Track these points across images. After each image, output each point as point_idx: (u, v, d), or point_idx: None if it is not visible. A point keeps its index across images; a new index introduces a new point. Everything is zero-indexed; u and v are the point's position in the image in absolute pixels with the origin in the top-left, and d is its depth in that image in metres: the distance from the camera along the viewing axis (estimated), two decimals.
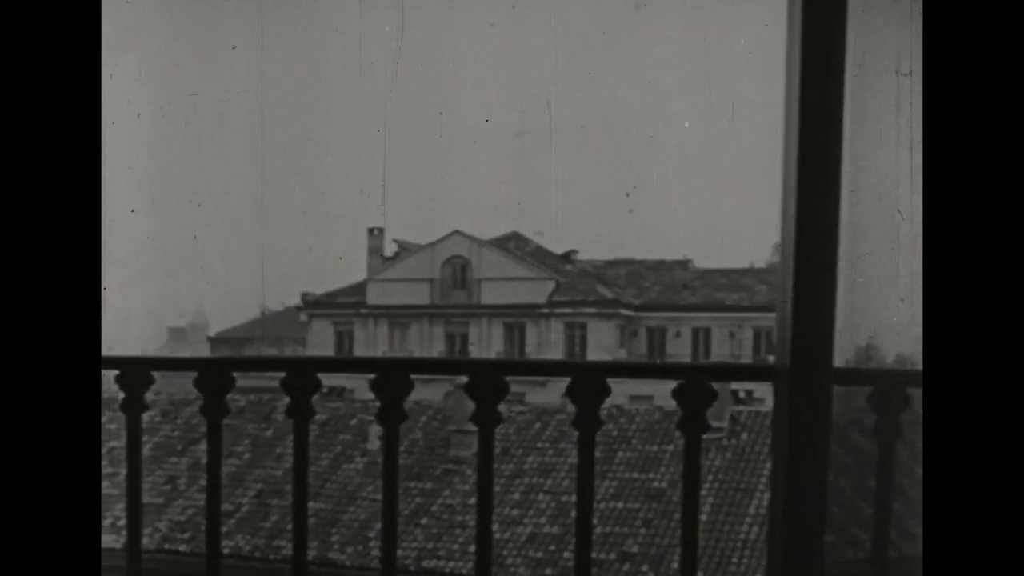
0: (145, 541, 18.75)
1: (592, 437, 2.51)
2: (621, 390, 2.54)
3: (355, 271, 52.60)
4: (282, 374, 2.88)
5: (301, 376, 2.73)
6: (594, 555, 21.73)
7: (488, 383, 2.59)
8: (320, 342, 49.24)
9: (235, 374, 2.90)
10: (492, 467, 2.51)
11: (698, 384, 2.50)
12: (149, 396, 2.86)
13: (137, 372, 2.87)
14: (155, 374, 2.94)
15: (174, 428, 26.50)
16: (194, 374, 2.98)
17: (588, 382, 2.55)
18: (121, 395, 2.98)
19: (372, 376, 2.74)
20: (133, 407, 2.97)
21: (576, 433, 2.59)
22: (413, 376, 2.78)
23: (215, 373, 2.80)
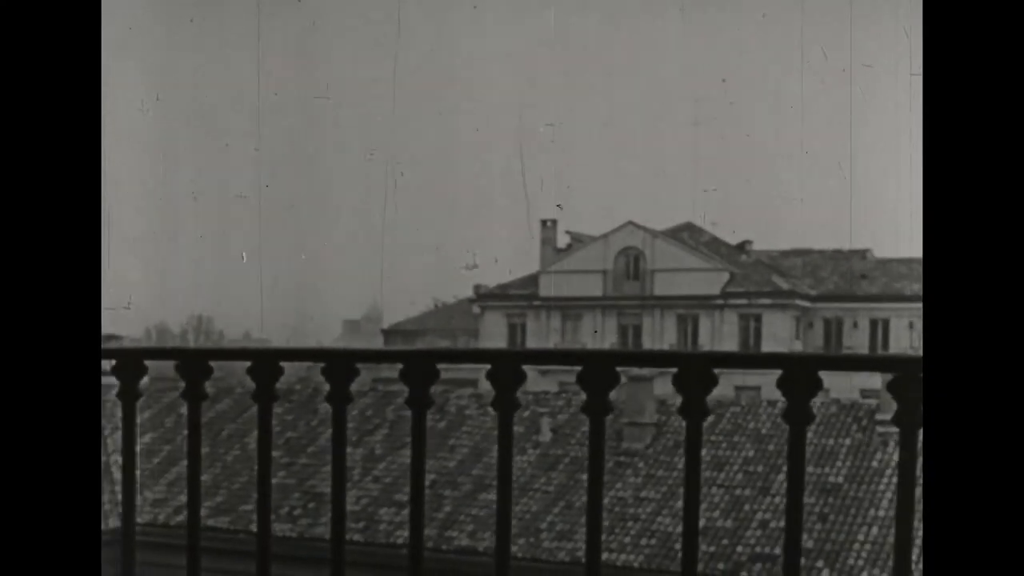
0: (320, 530, 19.38)
1: (698, 427, 2.41)
2: (727, 381, 2.43)
3: (528, 263, 52.98)
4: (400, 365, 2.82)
5: (417, 366, 2.69)
6: (767, 550, 21.36)
7: (599, 373, 2.51)
8: (493, 334, 49.75)
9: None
10: (603, 454, 2.43)
11: (800, 374, 2.37)
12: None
13: (265, 364, 2.88)
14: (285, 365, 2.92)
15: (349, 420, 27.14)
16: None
17: (693, 372, 2.45)
18: (253, 385, 2.99)
19: (488, 367, 2.68)
20: (265, 395, 2.95)
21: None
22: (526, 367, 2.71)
23: (341, 362, 2.78)
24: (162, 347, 2.85)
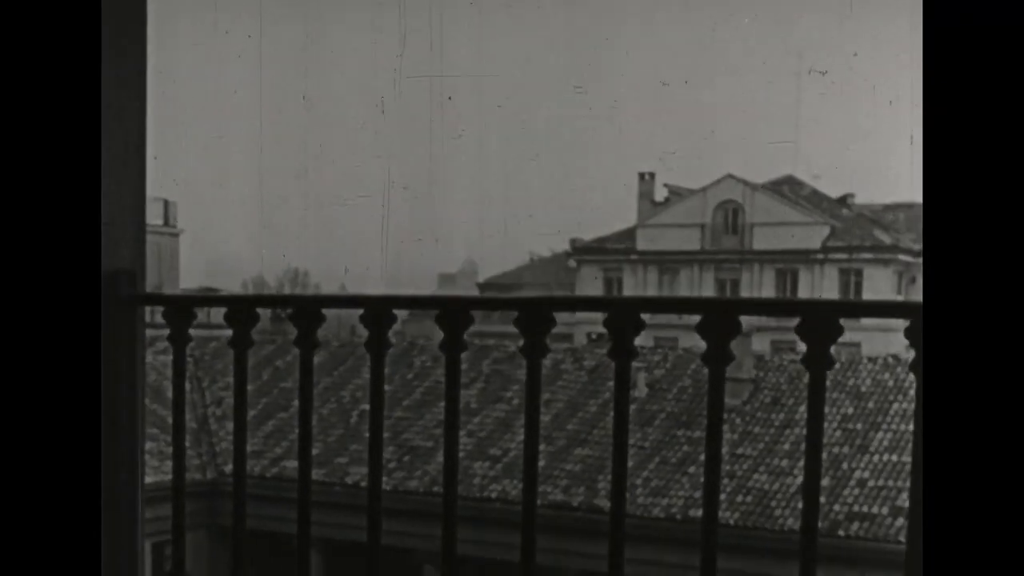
0: (414, 483, 19.48)
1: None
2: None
3: (626, 217, 52.61)
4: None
5: (451, 313, 2.61)
6: (865, 509, 20.97)
7: (628, 320, 2.42)
8: (589, 288, 49.56)
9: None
10: (628, 401, 2.37)
11: (820, 321, 2.33)
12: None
13: (308, 312, 2.80)
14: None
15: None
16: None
17: (718, 318, 2.40)
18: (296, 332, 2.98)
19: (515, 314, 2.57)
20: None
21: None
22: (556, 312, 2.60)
23: (380, 306, 2.68)
24: (208, 295, 2.85)
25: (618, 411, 2.51)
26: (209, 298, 3.13)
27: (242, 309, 2.91)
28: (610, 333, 2.49)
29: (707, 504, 2.45)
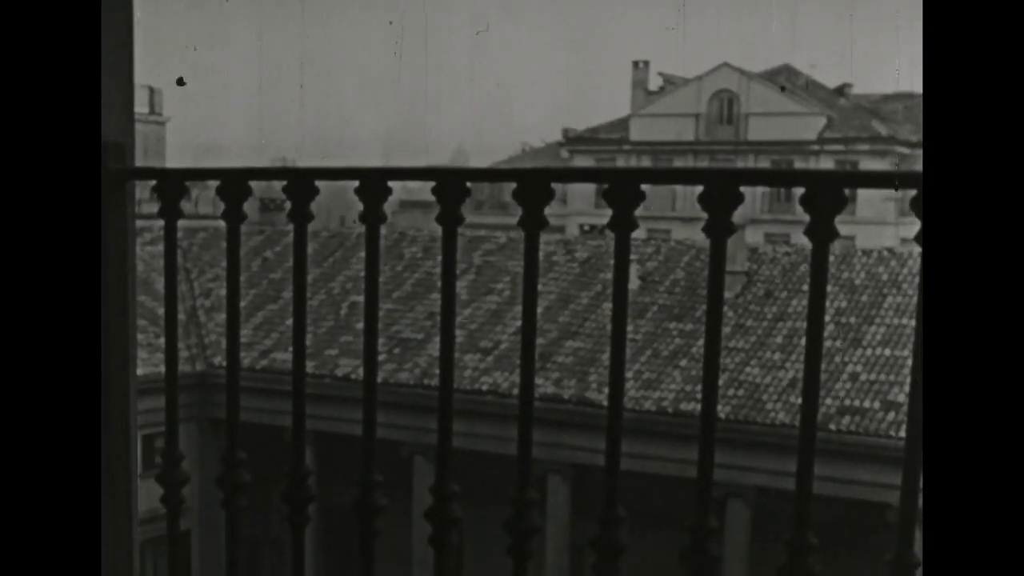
0: (405, 376, 19.27)
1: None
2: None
3: (618, 106, 51.91)
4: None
5: (448, 184, 2.54)
6: (856, 403, 20.93)
7: (628, 190, 2.34)
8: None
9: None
10: (627, 276, 2.23)
11: (824, 190, 2.23)
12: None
13: (302, 184, 2.74)
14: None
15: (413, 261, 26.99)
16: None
17: (719, 188, 2.28)
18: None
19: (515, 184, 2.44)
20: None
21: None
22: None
23: (375, 178, 2.56)
24: (203, 167, 2.73)
25: (618, 286, 2.39)
26: (201, 170, 2.98)
27: (235, 182, 2.81)
28: (610, 204, 2.36)
29: (707, 376, 2.29)
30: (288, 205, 2.74)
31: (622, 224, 2.36)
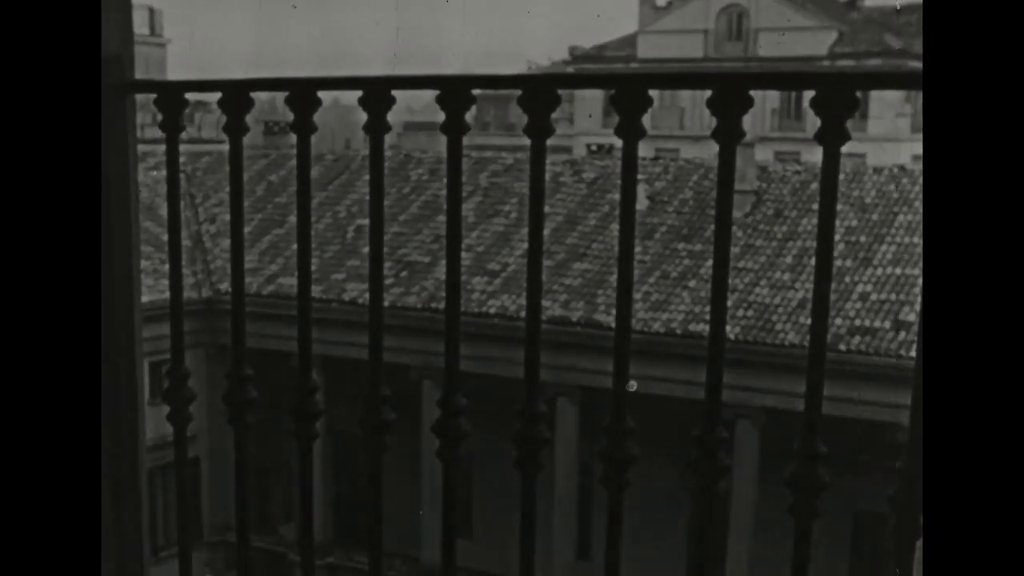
0: (412, 299, 19.12)
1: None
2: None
3: (626, 23, 51.22)
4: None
5: (454, 91, 2.44)
6: (867, 323, 20.81)
7: (635, 96, 2.28)
8: (587, 95, 48.60)
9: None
10: (635, 185, 2.18)
11: (836, 92, 2.16)
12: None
13: (304, 95, 2.64)
14: None
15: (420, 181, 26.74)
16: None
17: (729, 91, 2.22)
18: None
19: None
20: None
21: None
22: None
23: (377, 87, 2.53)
24: (203, 79, 2.62)
25: (625, 195, 2.33)
26: (201, 82, 2.86)
27: (236, 92, 2.72)
28: (617, 110, 2.30)
29: (716, 288, 2.25)
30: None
31: (629, 131, 2.30)
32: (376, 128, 2.53)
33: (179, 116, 2.82)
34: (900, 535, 2.07)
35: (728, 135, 2.22)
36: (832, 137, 2.14)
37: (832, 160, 2.16)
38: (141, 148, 3.05)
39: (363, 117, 2.59)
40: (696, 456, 2.20)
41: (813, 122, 2.20)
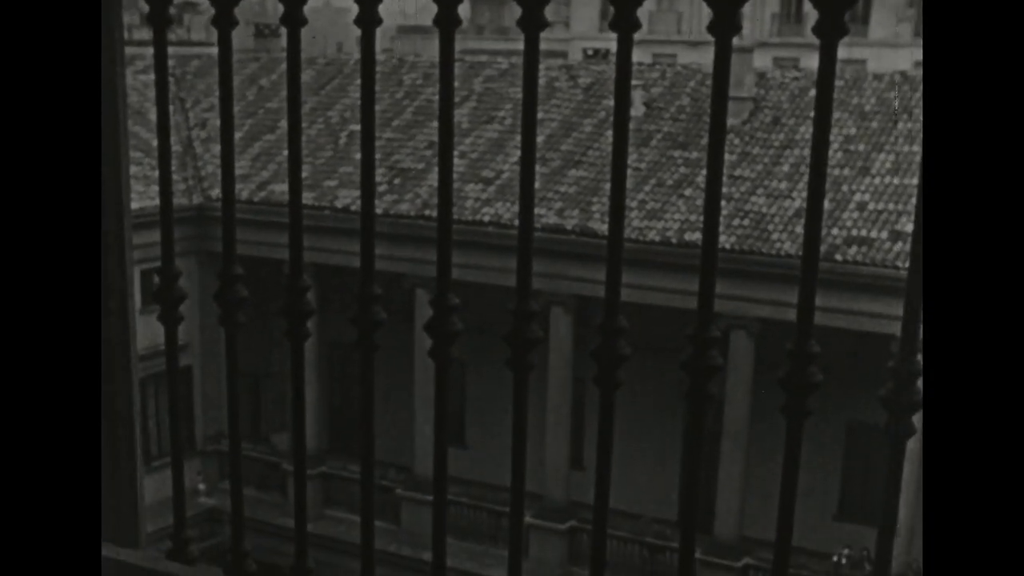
0: (405, 207, 18.99)
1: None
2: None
3: None
4: None
5: None
6: (864, 233, 20.66)
7: None
8: None
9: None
10: (630, 78, 2.12)
11: None
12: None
13: None
14: None
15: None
16: None
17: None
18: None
19: None
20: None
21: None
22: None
23: None
24: None
25: (619, 93, 2.17)
26: None
27: None
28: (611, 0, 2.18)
29: (710, 190, 2.09)
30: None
31: (624, 22, 2.15)
32: (367, 21, 2.40)
33: (166, 6, 2.68)
34: (893, 435, 2.02)
35: (724, 27, 2.09)
36: (831, 28, 2.03)
37: (829, 55, 2.05)
38: (130, 51, 2.91)
39: (355, 16, 2.44)
40: (689, 355, 2.12)
41: (814, 24, 2.05)
